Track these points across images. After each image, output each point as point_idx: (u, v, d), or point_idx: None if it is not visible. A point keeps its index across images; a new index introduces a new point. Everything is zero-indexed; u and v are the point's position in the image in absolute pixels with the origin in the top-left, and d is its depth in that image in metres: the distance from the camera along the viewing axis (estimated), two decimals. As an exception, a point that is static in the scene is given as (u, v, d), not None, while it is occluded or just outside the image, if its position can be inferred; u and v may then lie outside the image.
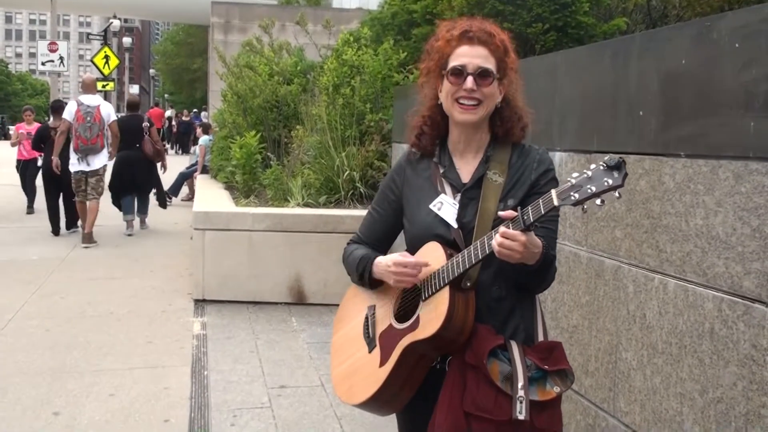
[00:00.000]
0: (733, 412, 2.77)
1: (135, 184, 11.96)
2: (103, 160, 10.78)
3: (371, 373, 2.36)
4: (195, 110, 41.72)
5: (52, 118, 12.24)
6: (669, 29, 3.47)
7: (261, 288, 7.54)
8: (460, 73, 2.26)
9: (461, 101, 2.28)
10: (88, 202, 10.69)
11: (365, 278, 2.45)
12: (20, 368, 5.56)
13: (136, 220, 12.21)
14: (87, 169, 10.64)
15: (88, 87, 11.28)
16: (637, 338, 3.38)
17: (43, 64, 25.17)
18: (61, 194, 11.58)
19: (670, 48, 3.22)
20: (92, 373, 5.49)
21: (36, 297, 7.65)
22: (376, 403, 2.37)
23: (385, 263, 2.35)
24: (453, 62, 2.28)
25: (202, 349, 6.12)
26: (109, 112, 10.94)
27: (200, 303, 7.48)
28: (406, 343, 2.25)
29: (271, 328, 6.77)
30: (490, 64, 2.27)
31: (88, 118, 10.52)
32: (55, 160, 10.81)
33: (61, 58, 24.90)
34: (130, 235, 11.72)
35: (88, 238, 10.63)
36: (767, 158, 2.62)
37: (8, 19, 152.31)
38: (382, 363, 2.33)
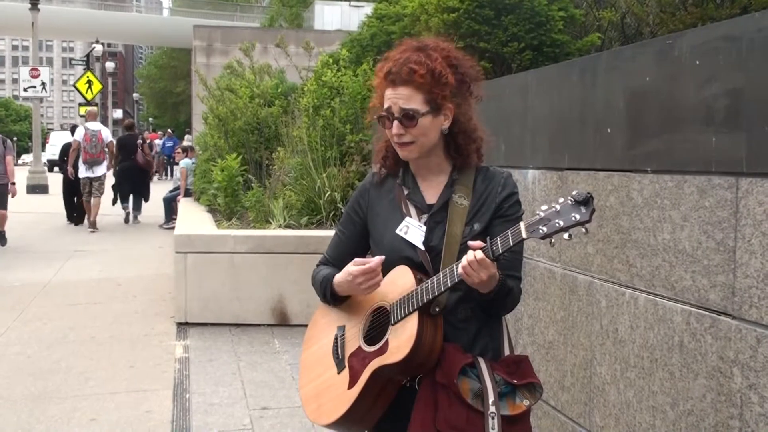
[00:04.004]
0: (703, 424, 2.81)
1: (132, 187, 16.41)
2: (103, 169, 14.99)
3: (340, 394, 2.38)
4: (169, 130, 40.94)
5: (73, 137, 16.14)
6: (633, 47, 3.53)
7: (243, 310, 7.54)
8: (386, 117, 2.29)
9: (396, 142, 2.32)
10: (93, 199, 14.84)
11: (327, 297, 2.48)
12: (1, 394, 5.54)
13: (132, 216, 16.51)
14: (92, 175, 14.79)
15: (92, 116, 16.09)
16: (611, 353, 3.41)
17: (25, 90, 25.08)
18: (75, 195, 15.82)
19: (634, 66, 3.29)
20: (73, 399, 5.47)
21: (18, 323, 7.62)
22: (345, 423, 2.38)
23: (345, 278, 2.36)
24: (384, 105, 2.31)
25: (184, 373, 6.11)
26: (107, 134, 15.44)
27: (182, 326, 7.47)
28: (374, 366, 2.27)
29: (253, 349, 6.77)
30: (415, 103, 2.25)
31: (93, 139, 14.72)
32: (70, 170, 15.14)
33: (43, 83, 24.85)
34: (126, 222, 16.27)
35: (93, 225, 14.87)
36: (729, 173, 2.67)
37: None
38: (351, 385, 2.34)
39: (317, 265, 2.64)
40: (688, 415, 2.89)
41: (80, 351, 6.69)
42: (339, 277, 2.41)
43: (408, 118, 2.26)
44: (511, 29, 7.26)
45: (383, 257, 2.30)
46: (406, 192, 2.40)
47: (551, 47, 7.37)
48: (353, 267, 2.32)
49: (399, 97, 2.27)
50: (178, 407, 5.33)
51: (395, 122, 2.28)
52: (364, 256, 2.56)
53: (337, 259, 2.58)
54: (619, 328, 3.34)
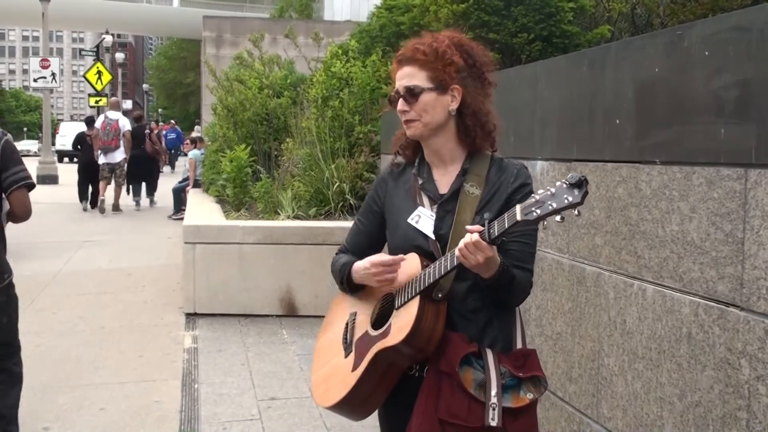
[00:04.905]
0: (710, 415, 2.81)
1: (142, 174, 17.50)
2: (119, 156, 15.91)
3: (344, 377, 2.40)
4: (171, 120, 39.99)
5: (87, 128, 17.72)
6: (642, 38, 3.51)
7: (252, 300, 7.56)
8: (395, 98, 2.37)
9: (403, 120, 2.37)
10: (115, 187, 16.15)
11: (344, 283, 2.51)
12: (11, 384, 5.57)
13: (145, 201, 17.70)
14: (108, 161, 15.77)
15: (114, 105, 17.52)
16: (618, 344, 3.41)
17: (35, 80, 25.18)
18: (90, 182, 16.68)
19: (643, 56, 3.27)
20: (83, 388, 5.51)
21: (28, 312, 7.63)
22: (347, 406, 2.41)
23: (363, 266, 2.40)
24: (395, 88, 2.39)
25: (193, 363, 6.14)
26: (124, 123, 16.16)
27: (191, 317, 7.50)
28: (376, 349, 2.29)
29: (261, 340, 6.79)
30: (417, 80, 2.32)
31: (108, 128, 15.66)
32: (97, 153, 15.92)
33: (53, 74, 24.93)
34: (139, 205, 17.46)
35: (116, 207, 16.21)
36: (737, 164, 2.66)
37: (1, 36, 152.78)
38: (354, 368, 2.37)
39: (336, 253, 2.66)
40: (695, 407, 2.89)
41: (90, 340, 6.72)
42: (358, 265, 2.44)
43: (410, 94, 2.33)
44: (521, 20, 7.24)
45: (404, 257, 2.33)
46: (420, 182, 2.42)
47: (561, 38, 7.35)
48: (376, 258, 2.36)
49: (404, 76, 2.35)
50: (186, 397, 5.36)
51: (399, 101, 2.35)
52: (382, 247, 2.58)
53: (355, 248, 2.60)
54: (626, 320, 3.34)
